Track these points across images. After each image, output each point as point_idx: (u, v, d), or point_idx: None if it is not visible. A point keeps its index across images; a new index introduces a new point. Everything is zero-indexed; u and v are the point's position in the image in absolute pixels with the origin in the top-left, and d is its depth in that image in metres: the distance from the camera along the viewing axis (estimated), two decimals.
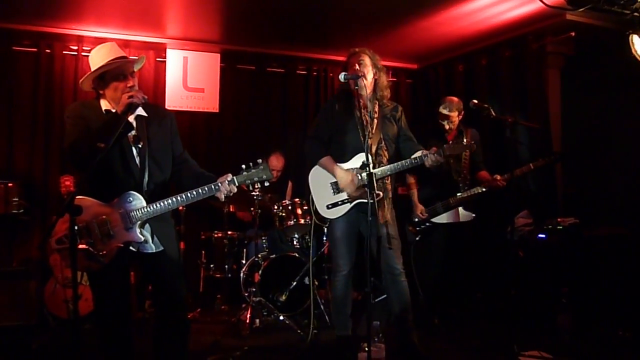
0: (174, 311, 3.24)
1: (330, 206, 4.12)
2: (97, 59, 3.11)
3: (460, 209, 5.03)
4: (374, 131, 4.06)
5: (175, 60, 6.65)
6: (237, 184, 3.18)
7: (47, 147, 6.10)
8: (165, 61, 6.61)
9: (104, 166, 2.94)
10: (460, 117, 5.20)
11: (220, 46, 6.81)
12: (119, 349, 3.22)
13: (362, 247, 4.23)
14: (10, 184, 5.32)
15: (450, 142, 4.04)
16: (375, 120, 4.10)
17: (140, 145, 3.12)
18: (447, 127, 5.13)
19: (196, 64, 6.72)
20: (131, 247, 3.10)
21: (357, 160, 4.07)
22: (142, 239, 3.07)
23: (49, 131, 6.13)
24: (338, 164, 4.08)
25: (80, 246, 2.94)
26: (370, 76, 4.07)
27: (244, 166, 3.21)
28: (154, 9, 5.64)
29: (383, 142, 4.07)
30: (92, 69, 3.12)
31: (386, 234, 4.06)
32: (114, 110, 3.03)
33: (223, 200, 3.21)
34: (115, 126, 2.89)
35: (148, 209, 3.05)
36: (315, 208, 4.20)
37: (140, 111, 3.18)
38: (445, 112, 5.12)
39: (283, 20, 6.01)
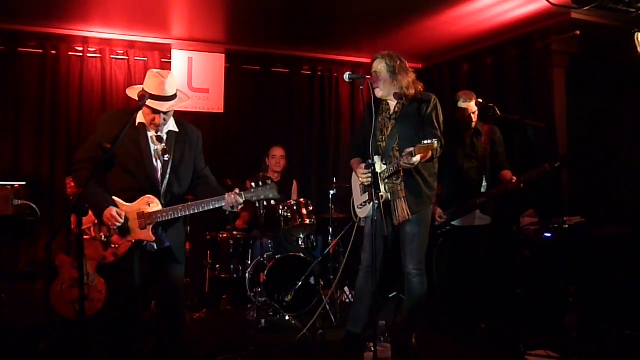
0: (169, 301, 3.55)
1: (360, 206, 4.39)
2: (147, 84, 3.39)
3: (477, 212, 4.94)
4: (389, 133, 4.15)
5: (180, 61, 6.66)
6: (244, 199, 3.44)
7: (53, 148, 6.13)
8: (170, 62, 6.62)
9: (129, 174, 3.38)
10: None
11: (225, 47, 6.82)
12: (121, 338, 3.47)
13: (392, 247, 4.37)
14: (16, 185, 5.33)
15: (423, 142, 3.92)
16: (393, 122, 4.18)
17: (165, 158, 3.42)
18: (473, 120, 4.98)
19: (201, 64, 6.73)
20: (143, 244, 3.42)
21: (377, 164, 4.15)
22: (154, 238, 3.39)
23: (55, 132, 6.16)
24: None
25: (99, 237, 3.36)
26: (384, 83, 4.12)
27: (253, 184, 3.47)
28: (159, 10, 5.65)
29: (396, 143, 4.09)
30: (145, 88, 3.38)
31: (404, 233, 4.17)
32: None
33: (229, 210, 3.48)
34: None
35: (162, 213, 3.37)
36: (354, 207, 4.48)
37: (172, 127, 3.51)
38: (465, 105, 4.96)
39: (287, 21, 6.01)
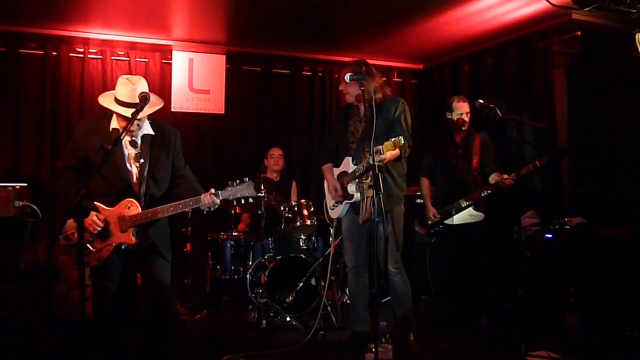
0: (157, 297, 3.56)
1: (332, 207, 4.54)
2: (117, 91, 3.40)
3: (471, 209, 4.99)
4: (359, 135, 4.30)
5: (181, 62, 6.66)
6: (220, 198, 3.43)
7: (54, 150, 6.13)
8: (171, 63, 6.63)
9: (105, 179, 3.39)
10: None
11: (226, 48, 6.82)
12: (106, 341, 3.52)
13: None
14: (17, 187, 5.33)
15: (391, 139, 3.92)
16: (363, 124, 4.30)
17: (141, 161, 3.46)
18: (466, 121, 5.09)
19: (202, 65, 6.74)
20: (122, 247, 3.44)
21: (345, 164, 4.41)
22: (134, 241, 3.41)
23: (56, 133, 6.17)
24: (334, 169, 4.52)
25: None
26: (353, 89, 4.27)
27: (229, 182, 3.47)
28: (159, 11, 5.65)
29: (366, 144, 4.12)
30: (116, 94, 3.40)
31: (378, 234, 4.15)
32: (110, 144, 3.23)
33: (206, 210, 3.47)
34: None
35: (142, 216, 3.39)
36: (326, 208, 4.62)
37: (148, 130, 3.53)
38: (458, 105, 5.10)
39: (288, 22, 6.02)
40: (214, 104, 6.81)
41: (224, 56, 6.83)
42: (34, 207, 5.38)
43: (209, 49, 6.75)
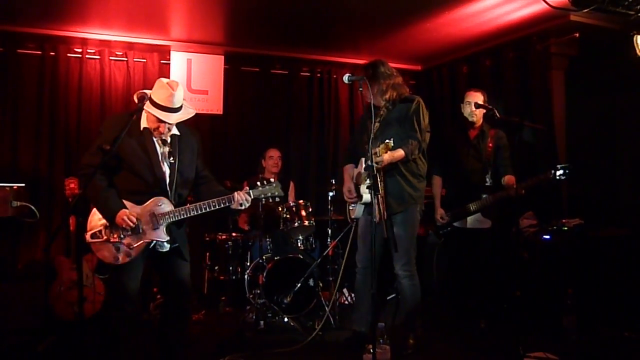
0: (178, 298, 3.63)
1: (351, 207, 4.50)
2: (155, 93, 3.43)
3: (479, 214, 4.87)
4: (373, 135, 4.16)
5: (179, 63, 6.66)
6: (252, 196, 3.64)
7: (52, 150, 6.12)
8: (169, 63, 6.62)
9: (139, 177, 3.45)
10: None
11: (224, 48, 6.82)
12: (120, 339, 3.51)
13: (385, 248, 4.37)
14: (15, 187, 5.32)
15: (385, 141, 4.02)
16: (377, 125, 4.25)
17: (172, 160, 3.55)
18: (473, 116, 4.90)
19: (200, 66, 6.73)
20: (151, 245, 3.48)
21: (361, 165, 4.36)
22: (167, 238, 3.49)
23: (54, 134, 6.16)
24: (354, 169, 4.47)
25: (112, 240, 3.39)
26: (367, 90, 4.14)
27: (258, 183, 3.70)
28: (158, 12, 5.65)
29: (378, 146, 4.11)
30: (152, 96, 3.42)
31: (389, 235, 4.19)
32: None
33: (236, 208, 3.62)
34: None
35: (174, 213, 3.48)
36: (347, 208, 4.59)
37: (174, 130, 3.58)
38: (466, 99, 4.93)
39: (287, 22, 6.02)
40: (213, 104, 6.81)
41: (223, 56, 6.83)
42: (32, 207, 5.38)
43: (207, 50, 6.75)
